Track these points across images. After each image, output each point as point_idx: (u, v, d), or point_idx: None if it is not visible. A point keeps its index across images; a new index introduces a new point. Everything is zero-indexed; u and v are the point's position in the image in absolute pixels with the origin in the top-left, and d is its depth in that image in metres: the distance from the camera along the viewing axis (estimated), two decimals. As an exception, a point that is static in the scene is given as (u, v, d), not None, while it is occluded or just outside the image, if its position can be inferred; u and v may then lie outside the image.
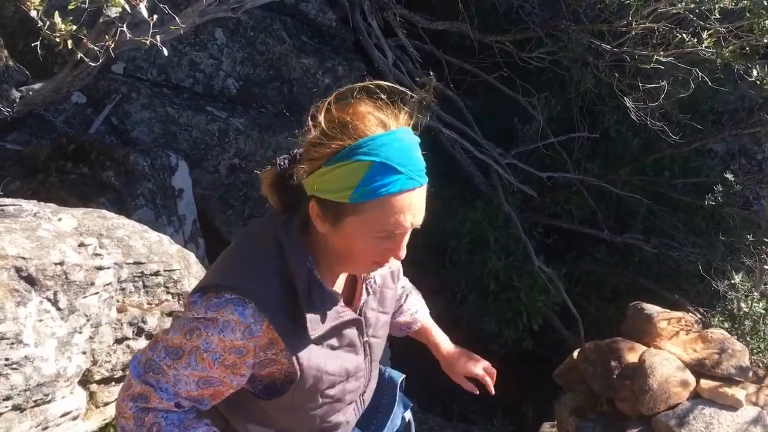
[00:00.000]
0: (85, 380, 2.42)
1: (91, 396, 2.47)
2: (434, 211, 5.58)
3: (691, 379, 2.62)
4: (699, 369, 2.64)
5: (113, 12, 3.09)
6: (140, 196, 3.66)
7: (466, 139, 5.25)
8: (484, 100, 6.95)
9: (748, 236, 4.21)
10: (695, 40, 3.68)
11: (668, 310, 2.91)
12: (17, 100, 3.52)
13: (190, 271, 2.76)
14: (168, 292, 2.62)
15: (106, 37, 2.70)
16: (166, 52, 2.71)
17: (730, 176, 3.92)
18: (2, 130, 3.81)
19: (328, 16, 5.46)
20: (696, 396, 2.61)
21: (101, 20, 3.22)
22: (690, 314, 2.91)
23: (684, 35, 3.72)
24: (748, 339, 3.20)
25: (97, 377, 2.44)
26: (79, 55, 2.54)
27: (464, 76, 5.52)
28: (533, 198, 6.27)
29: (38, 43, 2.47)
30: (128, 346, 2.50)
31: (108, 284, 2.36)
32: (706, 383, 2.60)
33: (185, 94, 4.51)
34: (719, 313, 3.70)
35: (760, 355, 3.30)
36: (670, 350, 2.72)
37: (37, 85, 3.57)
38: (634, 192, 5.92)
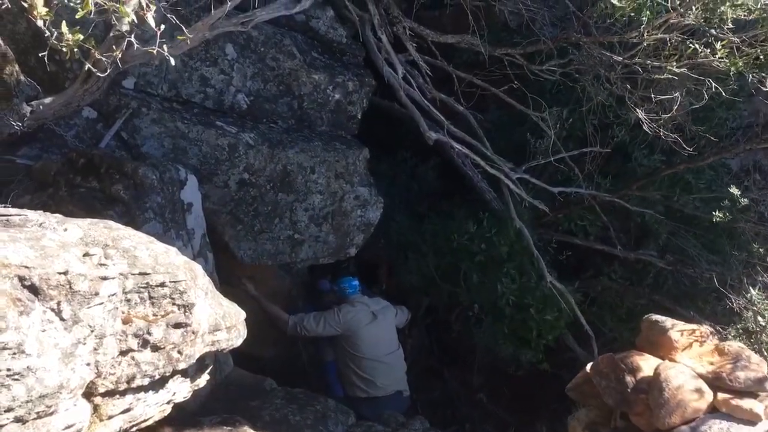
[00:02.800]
0: (89, 393, 2.39)
1: (95, 409, 2.44)
2: (446, 230, 5.60)
3: (708, 392, 2.55)
4: (716, 382, 2.57)
5: (124, 26, 3.11)
6: (149, 209, 3.65)
7: (476, 154, 5.21)
8: (495, 116, 6.94)
9: (761, 251, 4.15)
10: (708, 50, 3.65)
11: (683, 323, 2.85)
12: (27, 114, 3.53)
13: (197, 282, 2.73)
14: (174, 304, 2.59)
15: (114, 47, 2.70)
16: (173, 62, 2.72)
17: (735, 190, 3.85)
18: (12, 144, 3.82)
19: (338, 33, 5.47)
20: (713, 410, 2.54)
21: (111, 34, 3.25)
22: (705, 326, 2.84)
23: (696, 46, 3.68)
24: (765, 354, 3.13)
25: (102, 390, 2.41)
26: (87, 65, 2.54)
27: (474, 89, 5.50)
28: (546, 214, 6.21)
29: (46, 54, 2.47)
30: (133, 358, 2.47)
31: (113, 295, 2.33)
32: (723, 396, 2.53)
33: (195, 109, 4.52)
34: (735, 329, 3.64)
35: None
36: (686, 363, 2.65)
37: (47, 100, 3.58)
38: (647, 208, 5.86)
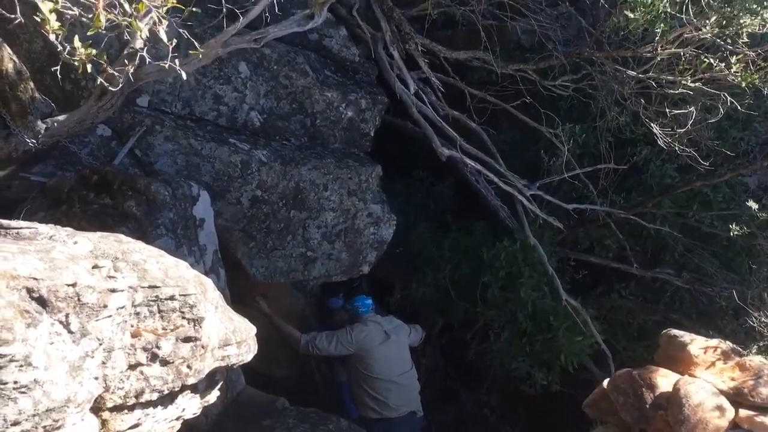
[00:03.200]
0: (96, 407, 2.36)
1: (103, 424, 2.40)
2: (465, 246, 5.57)
3: (730, 408, 2.47)
4: (737, 398, 2.50)
5: (138, 42, 3.13)
6: (161, 225, 3.65)
7: (489, 171, 5.18)
8: (508, 136, 6.92)
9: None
10: (723, 64, 3.61)
11: (703, 338, 2.78)
12: (42, 131, 3.56)
13: (207, 296, 2.71)
14: (183, 317, 2.57)
15: (127, 62, 2.71)
16: (185, 76, 2.72)
17: (753, 204, 3.78)
18: (27, 161, 3.85)
19: (351, 51, 5.50)
20: (735, 426, 2.46)
21: (126, 52, 3.27)
22: (726, 342, 2.77)
23: (711, 60, 3.65)
24: (788, 371, 3.03)
25: (110, 404, 2.38)
26: (99, 80, 2.55)
27: (487, 106, 5.48)
28: (561, 232, 6.16)
29: (59, 69, 2.48)
30: (142, 372, 2.44)
31: (121, 307, 2.31)
32: (745, 413, 2.45)
33: (209, 126, 4.54)
34: (757, 346, 3.55)
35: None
36: (707, 378, 2.58)
37: (61, 117, 3.61)
38: (663, 225, 5.79)
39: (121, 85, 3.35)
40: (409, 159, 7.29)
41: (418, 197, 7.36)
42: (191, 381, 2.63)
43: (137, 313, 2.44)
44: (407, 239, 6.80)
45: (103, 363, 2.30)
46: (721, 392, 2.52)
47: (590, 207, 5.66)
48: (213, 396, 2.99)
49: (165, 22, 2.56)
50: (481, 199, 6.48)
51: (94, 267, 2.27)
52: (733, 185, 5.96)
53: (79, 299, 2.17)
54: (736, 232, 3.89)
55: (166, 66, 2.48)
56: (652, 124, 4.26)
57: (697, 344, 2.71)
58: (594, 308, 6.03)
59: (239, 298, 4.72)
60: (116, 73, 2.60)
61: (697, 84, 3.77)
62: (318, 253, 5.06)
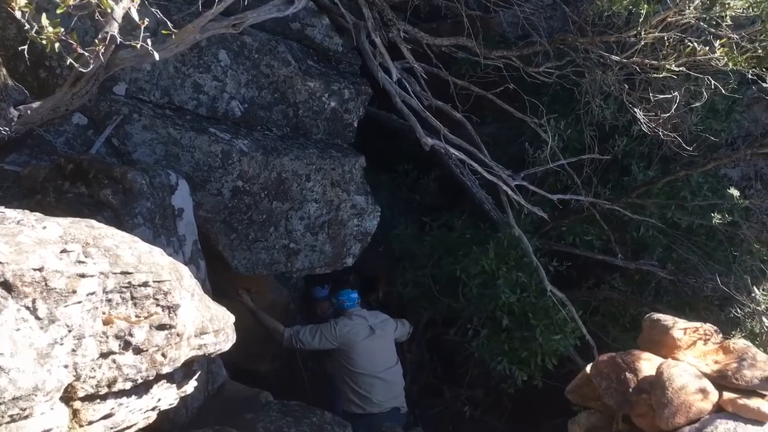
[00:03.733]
0: (67, 396, 2.29)
1: (74, 414, 2.34)
2: (446, 242, 5.53)
3: (713, 391, 2.45)
4: (721, 381, 2.47)
5: (113, 27, 3.06)
6: (138, 215, 3.58)
7: (474, 161, 5.14)
8: (492, 129, 6.90)
9: (764, 257, 4.06)
10: (707, 48, 3.58)
11: (685, 321, 2.75)
12: (15, 119, 3.48)
13: (182, 283, 2.64)
14: (158, 305, 2.50)
15: (97, 41, 2.64)
16: (157, 56, 2.65)
17: (734, 192, 3.76)
18: (1, 150, 3.76)
19: (334, 41, 5.43)
20: (719, 409, 2.43)
21: (100, 36, 3.20)
22: (709, 324, 2.74)
23: (695, 44, 3.62)
24: (772, 356, 3.01)
25: (81, 394, 2.31)
26: (71, 62, 2.48)
27: (471, 98, 5.44)
28: (545, 224, 6.14)
29: (26, 49, 2.41)
30: (114, 361, 2.38)
31: (92, 294, 2.25)
32: (729, 396, 2.43)
33: (188, 116, 4.47)
34: (740, 334, 3.54)
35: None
36: (690, 361, 2.55)
37: (35, 104, 3.53)
38: (648, 216, 5.78)
39: (95, 70, 3.29)
40: (394, 152, 7.24)
41: (403, 191, 7.33)
42: (166, 370, 2.57)
43: (109, 300, 2.37)
44: (390, 236, 6.77)
45: (73, 351, 2.23)
46: (705, 375, 2.49)
47: (574, 198, 5.64)
48: (190, 386, 2.92)
49: (137, 1, 2.49)
50: (467, 192, 6.45)
51: (62, 251, 2.21)
52: (717, 176, 5.96)
53: (46, 284, 2.10)
54: (718, 221, 3.87)
55: (138, 46, 2.41)
56: (635, 110, 4.22)
57: (679, 327, 2.68)
58: (583, 300, 6.01)
59: (221, 291, 4.65)
60: (86, 53, 2.53)
61: (681, 69, 3.75)
62: (301, 245, 5.00)
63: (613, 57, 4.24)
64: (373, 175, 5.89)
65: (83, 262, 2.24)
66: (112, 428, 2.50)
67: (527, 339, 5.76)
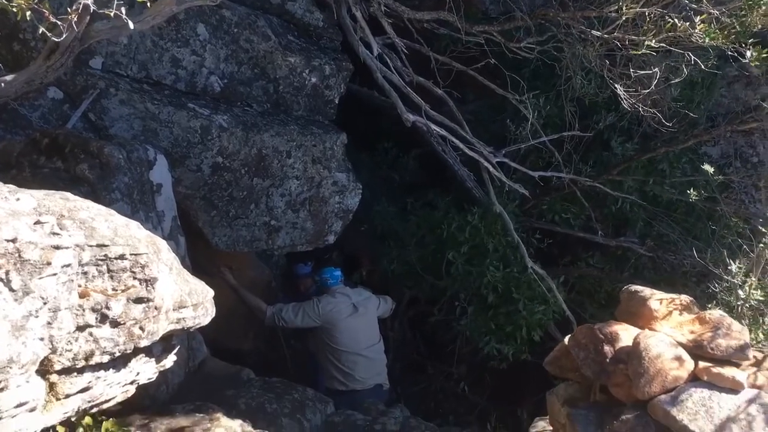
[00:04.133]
0: (43, 370, 2.27)
1: (51, 387, 2.32)
2: (430, 220, 5.53)
3: (689, 360, 2.47)
4: (697, 351, 2.50)
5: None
6: (115, 189, 3.53)
7: (456, 137, 5.13)
8: (474, 107, 6.89)
9: (741, 231, 4.10)
10: (687, 24, 3.58)
11: (662, 292, 2.78)
12: (-12, 92, 3.41)
13: (160, 257, 2.62)
14: (135, 278, 2.48)
15: (69, 10, 2.59)
16: (132, 26, 2.60)
17: (709, 168, 3.79)
18: (-26, 125, 3.70)
19: (315, 16, 5.37)
20: (694, 378, 2.46)
21: (74, 6, 3.13)
22: (685, 296, 2.77)
23: (675, 20, 3.62)
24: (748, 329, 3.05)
25: (58, 367, 2.29)
26: (41, 29, 2.43)
27: (451, 67, 5.41)
28: (526, 201, 6.16)
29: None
30: (91, 334, 2.35)
31: (67, 266, 2.22)
32: (704, 365, 2.45)
33: (166, 90, 4.40)
34: (717, 307, 3.58)
35: (760, 344, 3.17)
36: (666, 332, 2.58)
37: (8, 77, 3.45)
38: (628, 193, 5.82)
39: (69, 42, 3.23)
40: (375, 131, 7.22)
41: (383, 169, 7.31)
42: (144, 343, 2.55)
43: (85, 273, 2.34)
44: (372, 213, 6.76)
45: (49, 323, 2.21)
46: (681, 345, 2.52)
47: (556, 175, 5.66)
48: (170, 361, 2.90)
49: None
50: (448, 170, 6.45)
51: (36, 223, 2.18)
52: (697, 152, 6.00)
53: (20, 256, 2.08)
54: (695, 196, 3.90)
55: (113, 15, 2.36)
56: (616, 86, 4.23)
57: (656, 298, 2.71)
58: (561, 277, 6.05)
59: (202, 268, 4.62)
60: (59, 22, 2.47)
61: (661, 45, 3.75)
62: (282, 222, 4.97)
63: (594, 32, 4.23)
64: (354, 154, 5.86)
65: (58, 234, 2.21)
66: (89, 401, 2.48)
67: (512, 313, 5.81)
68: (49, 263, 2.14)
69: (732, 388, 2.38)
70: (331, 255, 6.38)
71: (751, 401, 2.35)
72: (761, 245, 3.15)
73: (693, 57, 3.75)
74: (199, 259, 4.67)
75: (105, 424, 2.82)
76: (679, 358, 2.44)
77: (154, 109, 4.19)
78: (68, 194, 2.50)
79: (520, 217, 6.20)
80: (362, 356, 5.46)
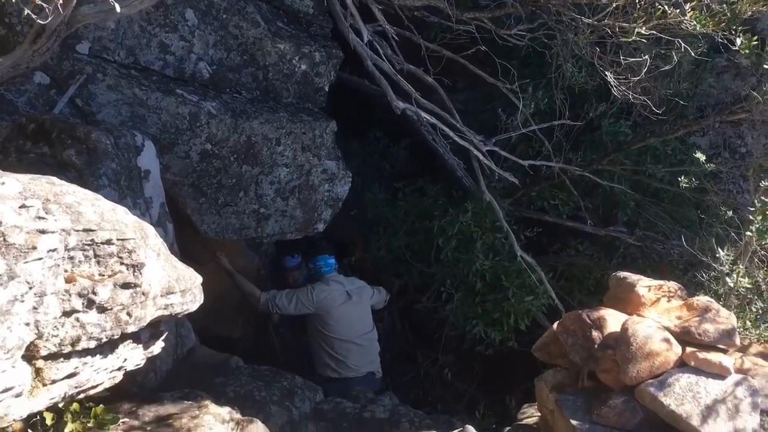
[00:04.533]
0: (30, 355, 2.25)
1: (37, 372, 2.30)
2: (420, 208, 5.52)
3: (676, 346, 2.48)
4: (684, 336, 2.51)
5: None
6: (103, 176, 3.50)
7: (446, 126, 5.12)
8: (464, 96, 6.89)
9: (729, 220, 4.11)
10: (677, 11, 3.58)
11: (650, 279, 2.79)
12: (-27, 76, 3.37)
13: (148, 242, 2.60)
14: (122, 263, 2.46)
15: (56, -7, 2.56)
16: (119, 10, 2.57)
17: (701, 156, 3.80)
18: (-41, 109, 3.65)
19: (305, 3, 5.33)
20: (681, 364, 2.47)
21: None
22: (673, 282, 2.79)
23: (666, 7, 3.62)
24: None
25: (44, 352, 2.28)
26: (26, 11, 2.39)
27: (441, 55, 5.39)
28: (516, 190, 6.16)
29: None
30: (78, 320, 2.34)
31: (53, 250, 2.20)
32: (691, 351, 2.47)
33: (154, 76, 4.36)
34: (705, 294, 3.58)
35: (747, 332, 3.19)
36: (654, 318, 2.59)
37: (-7, 61, 3.41)
38: (617, 182, 5.83)
39: (56, 25, 3.19)
40: (365, 120, 7.20)
41: (374, 158, 7.30)
42: (132, 329, 2.53)
43: (71, 258, 2.32)
44: (362, 201, 6.75)
45: (35, 308, 2.19)
46: (669, 330, 2.53)
47: (545, 164, 5.67)
48: (157, 347, 2.89)
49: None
50: (438, 159, 6.44)
51: (21, 207, 2.15)
52: (686, 142, 6.02)
53: (4, 239, 2.05)
54: (685, 184, 3.91)
55: (99, -3, 2.33)
56: (606, 73, 4.23)
57: (644, 284, 2.72)
58: (550, 265, 6.07)
59: (191, 255, 4.60)
60: (45, 5, 2.44)
61: (651, 32, 3.75)
62: (271, 210, 4.95)
63: (585, 19, 4.23)
64: (344, 143, 5.84)
65: (43, 218, 2.19)
66: (76, 387, 2.47)
67: (500, 301, 5.83)
68: (34, 247, 2.12)
69: (719, 373, 2.40)
70: (320, 243, 6.37)
71: (737, 386, 2.37)
72: (749, 233, 3.16)
73: (683, 44, 3.75)
74: (188, 246, 4.65)
75: (94, 410, 2.81)
76: (666, 344, 2.45)
77: (142, 95, 4.15)
78: (54, 179, 2.48)
79: (510, 206, 6.21)
80: (355, 344, 5.47)
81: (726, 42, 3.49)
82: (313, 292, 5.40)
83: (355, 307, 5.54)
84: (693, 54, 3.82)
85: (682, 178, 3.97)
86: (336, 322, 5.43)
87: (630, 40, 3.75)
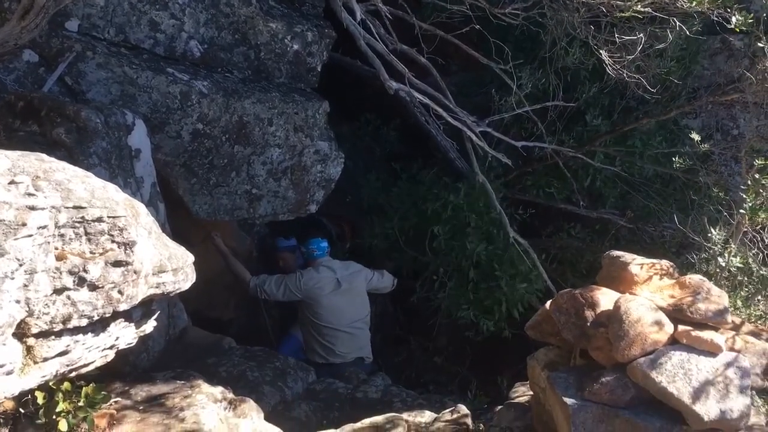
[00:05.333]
0: (21, 333, 2.24)
1: (28, 350, 2.29)
2: (413, 195, 5.49)
3: (668, 324, 2.49)
4: (676, 314, 2.52)
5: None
6: (93, 154, 3.47)
7: (439, 106, 5.09)
8: (458, 79, 6.85)
9: (721, 200, 4.13)
10: (673, -11, 3.57)
11: (643, 257, 2.79)
12: (-40, 53, 3.32)
13: (139, 220, 2.58)
14: (113, 241, 2.44)
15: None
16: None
17: (695, 136, 3.80)
18: (-54, 87, 3.60)
19: (297, -19, 5.28)
20: (674, 341, 2.48)
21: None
22: (666, 261, 2.79)
23: (661, -15, 3.60)
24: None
25: (35, 330, 2.26)
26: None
27: (435, 34, 5.35)
28: (509, 171, 6.16)
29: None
30: (69, 297, 2.32)
31: (43, 227, 2.17)
32: (684, 329, 2.48)
33: (145, 55, 4.31)
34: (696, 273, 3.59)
35: (737, 311, 3.21)
36: (646, 296, 2.59)
37: (-19, 38, 3.36)
38: (609, 164, 5.83)
39: (44, 2, 3.14)
40: (357, 102, 7.16)
41: (365, 140, 7.27)
42: (123, 308, 2.52)
43: (62, 235, 2.30)
44: (355, 185, 6.72)
45: (25, 286, 2.18)
46: (661, 309, 2.54)
47: (539, 145, 5.65)
48: (149, 326, 2.88)
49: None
50: (431, 141, 6.42)
51: (10, 183, 2.13)
52: (678, 124, 6.02)
53: (-7, 216, 2.03)
54: (679, 165, 3.91)
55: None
56: (601, 52, 4.21)
57: (637, 263, 2.72)
58: (542, 248, 6.07)
59: (183, 236, 4.57)
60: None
61: (646, 9, 3.72)
62: (264, 191, 4.92)
63: (580, -2, 4.21)
64: (336, 125, 5.81)
65: (33, 195, 2.17)
66: (68, 366, 2.46)
67: (492, 290, 5.83)
68: (24, 224, 2.10)
69: (710, 350, 2.41)
70: (321, 220, 6.34)
71: (729, 364, 2.38)
72: (741, 211, 3.17)
73: (678, 23, 3.74)
74: (179, 227, 4.62)
75: (85, 390, 2.80)
76: (658, 322, 2.46)
77: (132, 74, 4.10)
78: (44, 155, 2.45)
79: (503, 188, 6.20)
80: (344, 332, 5.45)
81: (721, 21, 3.48)
82: (301, 279, 5.37)
83: (345, 295, 5.49)
84: (688, 33, 3.81)
85: (676, 158, 3.96)
86: (324, 310, 5.41)
87: (627, 15, 3.72)
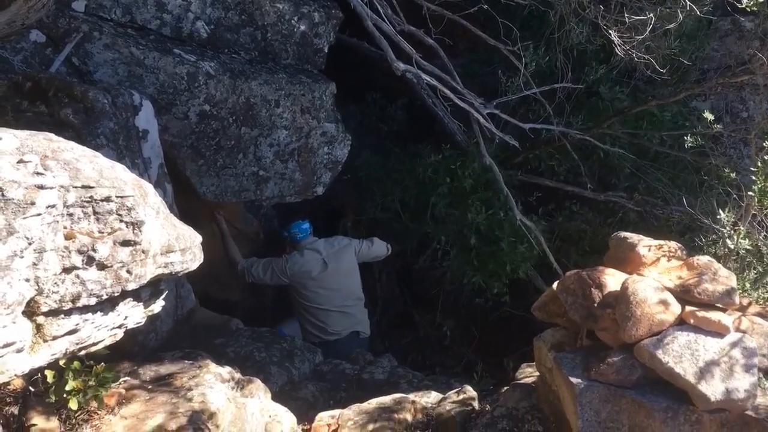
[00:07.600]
0: (30, 311, 2.26)
1: (38, 328, 2.31)
2: (414, 172, 5.46)
3: (675, 305, 2.49)
4: (683, 295, 2.51)
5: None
6: (101, 135, 3.47)
7: (446, 87, 5.06)
8: (465, 60, 6.82)
9: (730, 182, 4.09)
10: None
11: (651, 239, 2.79)
12: (-33, 33, 3.32)
13: (147, 200, 2.59)
14: (121, 221, 2.45)
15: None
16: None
17: (709, 115, 3.76)
18: (-46, 67, 3.60)
19: (303, -39, 5.24)
20: (681, 322, 2.48)
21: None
22: (674, 242, 2.78)
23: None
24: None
25: (44, 308, 2.28)
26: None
27: (442, 15, 5.31)
28: (516, 153, 6.13)
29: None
30: (78, 276, 2.34)
31: (51, 206, 2.19)
32: (691, 309, 2.47)
33: (151, 36, 4.31)
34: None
35: (746, 293, 3.20)
36: (654, 277, 2.59)
37: (-12, 18, 3.36)
38: (617, 146, 5.80)
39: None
40: (363, 82, 7.14)
41: (371, 120, 7.25)
42: (132, 287, 2.54)
43: (70, 215, 2.31)
44: (359, 164, 6.72)
45: (35, 264, 2.19)
46: (668, 290, 2.53)
47: (546, 127, 5.62)
48: (158, 306, 2.90)
49: None
50: (437, 122, 6.39)
51: (19, 162, 2.14)
52: (687, 106, 5.98)
53: (2, 194, 2.04)
54: (690, 144, 3.88)
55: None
56: (610, 32, 4.17)
57: (645, 244, 2.72)
58: (546, 227, 6.07)
59: (190, 217, 4.58)
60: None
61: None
62: (270, 173, 4.92)
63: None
64: (342, 106, 5.79)
65: (42, 174, 2.18)
66: (77, 344, 2.48)
67: (495, 253, 5.84)
68: (33, 203, 2.11)
69: (718, 331, 2.40)
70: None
71: (734, 345, 2.37)
72: (750, 193, 3.16)
73: (688, 3, 3.70)
74: (187, 208, 4.63)
75: (95, 369, 2.82)
76: (665, 302, 2.45)
77: (139, 55, 4.10)
78: (52, 135, 2.45)
79: (510, 169, 6.18)
80: (336, 311, 5.46)
81: (732, 0, 3.44)
82: (286, 264, 5.36)
83: (333, 275, 5.47)
84: (698, 12, 3.76)
85: (688, 137, 3.92)
86: (312, 293, 5.42)
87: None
